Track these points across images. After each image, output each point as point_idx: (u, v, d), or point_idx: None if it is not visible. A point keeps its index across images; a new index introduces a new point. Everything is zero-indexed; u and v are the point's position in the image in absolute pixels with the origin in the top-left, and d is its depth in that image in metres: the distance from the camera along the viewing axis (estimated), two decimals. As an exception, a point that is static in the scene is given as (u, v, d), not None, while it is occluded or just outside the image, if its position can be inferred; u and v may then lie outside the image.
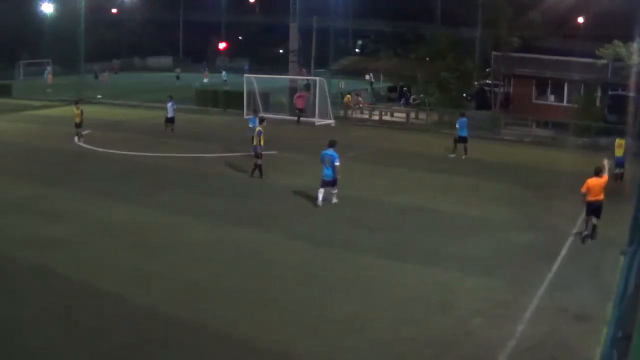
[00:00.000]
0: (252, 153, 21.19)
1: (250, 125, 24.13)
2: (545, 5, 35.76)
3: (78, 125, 28.28)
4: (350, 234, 15.65)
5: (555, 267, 13.52)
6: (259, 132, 20.83)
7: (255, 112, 27.20)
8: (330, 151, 17.71)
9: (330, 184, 17.80)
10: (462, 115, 26.73)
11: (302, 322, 10.89)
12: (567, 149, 28.75)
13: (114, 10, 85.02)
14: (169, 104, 30.12)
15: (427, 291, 12.19)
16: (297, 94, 37.07)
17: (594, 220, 15.10)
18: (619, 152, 21.90)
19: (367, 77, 56.15)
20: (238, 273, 13.09)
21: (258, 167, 21.03)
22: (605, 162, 15.71)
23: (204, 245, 14.74)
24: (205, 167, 23.65)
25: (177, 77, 63.00)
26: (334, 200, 18.04)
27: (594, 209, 15.01)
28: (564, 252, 14.55)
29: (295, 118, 35.95)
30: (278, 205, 18.34)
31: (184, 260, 13.74)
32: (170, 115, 30.10)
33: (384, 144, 28.90)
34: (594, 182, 14.92)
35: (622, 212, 16.63)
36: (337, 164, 17.49)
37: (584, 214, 15.45)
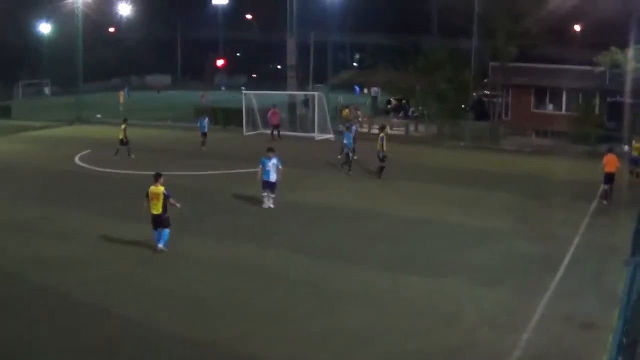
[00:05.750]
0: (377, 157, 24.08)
1: (345, 142, 25.97)
2: (542, 14, 35.91)
3: (123, 143, 29.30)
4: (356, 246, 15.73)
5: (558, 276, 13.59)
6: (382, 138, 23.76)
7: (348, 128, 27.58)
8: (274, 158, 19.40)
9: (271, 185, 19.37)
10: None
11: (308, 336, 10.95)
12: (567, 157, 28.83)
13: (112, 29, 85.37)
14: (205, 121, 32.36)
15: (433, 302, 12.26)
16: (271, 111, 36.65)
17: (608, 187, 20.06)
18: (634, 152, 24.67)
19: (364, 90, 56.20)
20: (243, 288, 13.15)
21: (381, 168, 24.08)
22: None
23: (209, 261, 14.81)
24: (206, 184, 23.73)
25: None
26: (271, 204, 19.42)
27: (609, 178, 20.10)
28: (567, 260, 14.62)
29: (269, 132, 35.56)
30: (281, 219, 18.43)
31: (190, 277, 13.81)
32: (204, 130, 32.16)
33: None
34: (609, 157, 20.33)
35: (623, 221, 16.77)
36: (280, 167, 19.43)
37: (602, 182, 20.32)
